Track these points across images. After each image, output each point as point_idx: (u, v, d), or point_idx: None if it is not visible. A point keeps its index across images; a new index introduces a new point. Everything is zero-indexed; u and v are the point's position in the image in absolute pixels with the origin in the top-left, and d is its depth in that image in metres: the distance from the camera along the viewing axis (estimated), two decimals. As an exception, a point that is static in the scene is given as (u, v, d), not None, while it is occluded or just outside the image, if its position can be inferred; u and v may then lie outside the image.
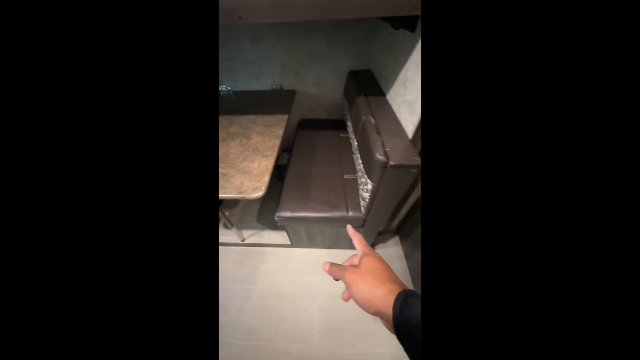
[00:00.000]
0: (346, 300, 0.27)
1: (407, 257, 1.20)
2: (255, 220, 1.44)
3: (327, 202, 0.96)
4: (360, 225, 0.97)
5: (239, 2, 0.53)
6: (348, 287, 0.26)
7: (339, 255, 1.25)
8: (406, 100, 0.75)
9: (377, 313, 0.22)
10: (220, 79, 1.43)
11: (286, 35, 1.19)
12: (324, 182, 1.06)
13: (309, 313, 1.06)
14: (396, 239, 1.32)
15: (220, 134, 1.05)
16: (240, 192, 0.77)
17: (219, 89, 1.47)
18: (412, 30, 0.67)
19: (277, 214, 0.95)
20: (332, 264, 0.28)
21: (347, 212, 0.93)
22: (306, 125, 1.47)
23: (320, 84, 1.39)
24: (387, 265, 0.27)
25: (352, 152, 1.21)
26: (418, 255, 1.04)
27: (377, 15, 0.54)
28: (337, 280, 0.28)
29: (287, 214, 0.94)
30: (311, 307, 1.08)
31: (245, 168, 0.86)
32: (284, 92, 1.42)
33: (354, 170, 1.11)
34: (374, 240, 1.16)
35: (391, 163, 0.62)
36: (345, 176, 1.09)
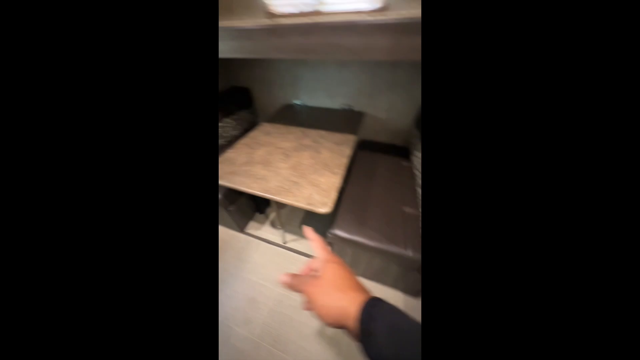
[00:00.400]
0: (306, 310, 0.25)
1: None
2: (298, 226, 1.48)
3: (385, 233, 0.91)
4: (416, 268, 0.88)
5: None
6: (309, 301, 0.24)
7: (378, 291, 1.15)
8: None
9: (340, 326, 0.22)
10: (298, 94, 1.61)
11: (370, 63, 1.26)
12: (382, 211, 1.02)
13: (335, 342, 0.99)
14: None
15: (294, 144, 1.16)
16: (309, 204, 0.80)
17: (295, 102, 1.65)
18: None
19: (331, 231, 0.95)
20: (291, 275, 0.27)
21: (406, 249, 0.86)
22: (367, 146, 1.48)
23: (391, 109, 1.40)
24: (350, 271, 0.26)
25: (414, 185, 1.14)
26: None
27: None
28: (297, 292, 0.26)
29: (342, 234, 0.94)
30: (339, 336, 1.01)
31: (314, 181, 0.91)
32: (354, 112, 1.48)
33: (415, 205, 1.04)
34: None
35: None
36: (406, 209, 1.02)
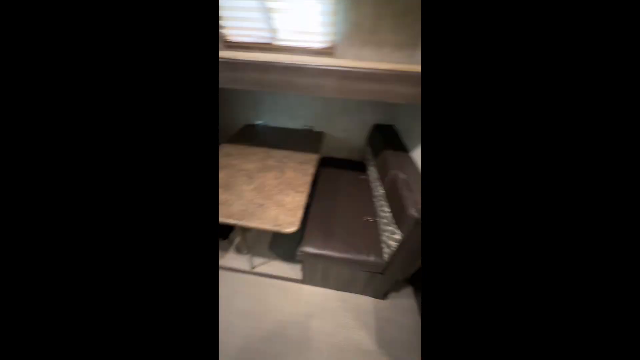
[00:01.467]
0: None
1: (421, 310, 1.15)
2: (267, 249, 1.43)
3: (351, 243, 0.99)
4: (380, 271, 0.98)
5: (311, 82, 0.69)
6: None
7: (350, 300, 1.19)
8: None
9: None
10: (259, 115, 1.64)
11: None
12: (347, 222, 1.10)
13: (314, 367, 0.96)
14: (409, 290, 1.28)
15: (258, 165, 1.16)
16: (276, 225, 0.81)
17: (257, 122, 1.67)
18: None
19: (301, 249, 0.97)
20: None
21: (369, 256, 0.95)
22: (329, 163, 1.60)
23: (347, 130, 1.58)
24: None
25: (371, 196, 1.29)
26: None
27: (393, 101, 0.70)
28: None
29: (311, 250, 0.96)
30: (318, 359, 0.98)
31: (280, 201, 0.93)
32: (314, 133, 1.60)
33: (373, 214, 1.17)
34: (389, 288, 1.13)
35: (424, 221, 0.69)
36: (366, 218, 1.14)
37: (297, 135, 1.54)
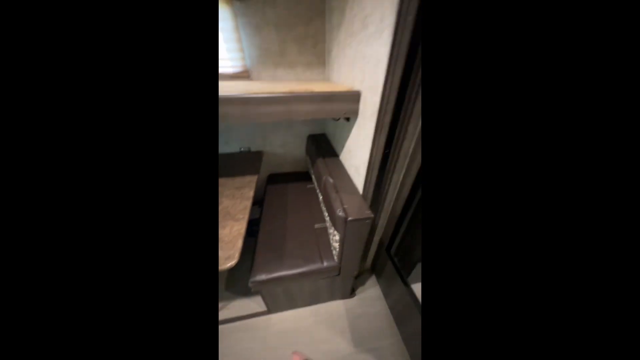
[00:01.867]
0: None
1: (386, 296, 1.24)
2: (224, 290, 1.28)
3: (303, 256, 0.99)
4: (337, 273, 1.01)
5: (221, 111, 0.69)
6: None
7: (322, 311, 1.19)
8: (352, 164, 0.98)
9: None
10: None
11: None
12: (298, 235, 1.11)
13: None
14: (373, 279, 1.38)
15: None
16: (212, 265, 0.75)
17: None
18: (347, 120, 0.95)
19: (252, 279, 0.92)
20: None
21: (322, 262, 0.98)
22: (275, 179, 1.60)
23: (285, 145, 1.62)
24: None
25: (319, 202, 1.35)
26: (395, 293, 1.10)
27: (324, 117, 0.79)
28: None
29: (263, 276, 0.92)
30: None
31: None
32: (253, 153, 1.57)
33: (322, 219, 1.22)
34: (352, 285, 1.19)
35: (350, 218, 0.76)
36: (316, 226, 1.18)
37: (235, 159, 1.48)
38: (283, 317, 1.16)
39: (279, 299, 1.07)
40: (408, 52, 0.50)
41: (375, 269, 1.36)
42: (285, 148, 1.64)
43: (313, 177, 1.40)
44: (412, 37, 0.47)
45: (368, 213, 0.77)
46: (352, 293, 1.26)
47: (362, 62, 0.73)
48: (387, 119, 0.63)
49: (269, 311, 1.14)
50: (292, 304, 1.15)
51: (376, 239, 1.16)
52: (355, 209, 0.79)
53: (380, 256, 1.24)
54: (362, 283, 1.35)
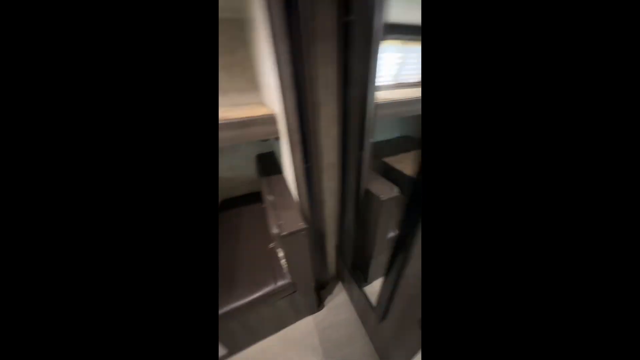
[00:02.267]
0: None
1: (351, 299, 1.26)
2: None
3: (254, 281, 0.96)
4: (293, 290, 1.00)
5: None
6: None
7: (290, 334, 1.14)
8: (289, 180, 1.02)
9: None
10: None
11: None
12: (251, 259, 1.07)
13: None
14: (339, 285, 1.39)
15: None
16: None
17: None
18: (277, 140, 1.01)
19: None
20: None
21: (276, 283, 0.96)
22: (229, 204, 1.54)
23: (234, 168, 1.59)
24: None
25: (274, 220, 1.34)
26: (359, 294, 1.13)
27: (248, 140, 0.82)
28: None
29: (209, 315, 0.85)
30: None
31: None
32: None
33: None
34: (318, 297, 1.18)
35: (283, 233, 0.78)
36: (271, 245, 1.16)
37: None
38: (247, 355, 1.07)
39: (237, 335, 1.00)
40: (295, 77, 0.58)
41: (339, 275, 1.39)
42: (235, 171, 1.61)
43: (263, 196, 1.40)
44: (294, 65, 0.56)
45: (301, 225, 0.81)
46: (319, 305, 1.25)
47: (271, 88, 0.81)
48: (296, 137, 0.70)
49: (230, 353, 1.05)
50: (255, 337, 1.08)
51: (332, 245, 1.20)
52: (289, 223, 0.82)
53: (339, 261, 1.27)
54: (330, 292, 1.36)
